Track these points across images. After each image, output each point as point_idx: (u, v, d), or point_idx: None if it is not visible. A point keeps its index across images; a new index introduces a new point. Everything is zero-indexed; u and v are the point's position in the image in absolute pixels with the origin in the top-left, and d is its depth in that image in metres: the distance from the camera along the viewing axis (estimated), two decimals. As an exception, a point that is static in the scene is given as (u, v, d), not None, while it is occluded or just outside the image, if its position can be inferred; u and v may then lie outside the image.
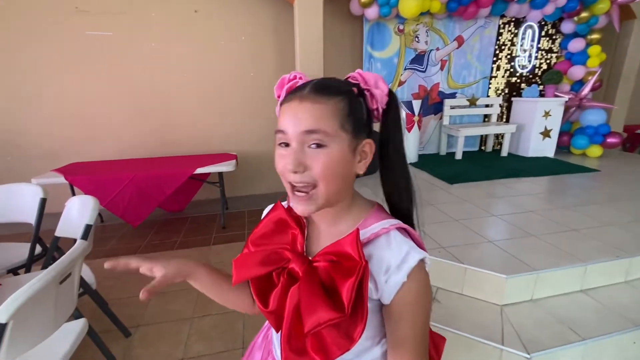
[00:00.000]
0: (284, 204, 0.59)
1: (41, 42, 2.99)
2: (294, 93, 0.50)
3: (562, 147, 4.04)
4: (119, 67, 3.20)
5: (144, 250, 2.61)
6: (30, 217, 1.74)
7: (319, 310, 0.44)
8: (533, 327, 1.33)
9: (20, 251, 1.79)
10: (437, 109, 4.00)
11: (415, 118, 3.56)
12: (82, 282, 1.45)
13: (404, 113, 3.49)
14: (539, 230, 1.89)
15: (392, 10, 3.22)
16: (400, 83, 3.81)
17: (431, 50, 3.79)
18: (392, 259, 0.49)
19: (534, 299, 1.50)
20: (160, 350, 1.58)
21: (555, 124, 3.72)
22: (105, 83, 3.20)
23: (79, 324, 1.20)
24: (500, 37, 3.92)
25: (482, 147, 4.29)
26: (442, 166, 3.44)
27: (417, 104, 3.54)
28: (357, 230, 0.47)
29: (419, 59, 3.79)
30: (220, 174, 3.04)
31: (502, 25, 3.88)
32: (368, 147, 0.52)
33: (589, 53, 3.74)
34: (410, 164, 3.52)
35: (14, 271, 1.71)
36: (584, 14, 3.55)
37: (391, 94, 0.53)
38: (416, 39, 3.72)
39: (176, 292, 2.03)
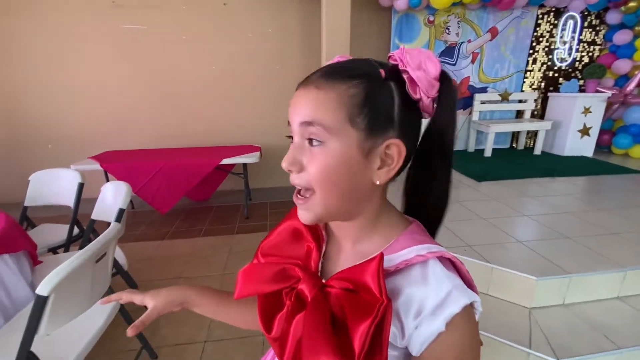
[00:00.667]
0: None
1: (81, 36, 3.15)
2: (306, 78, 0.42)
3: (603, 146, 3.79)
4: (152, 60, 3.31)
5: (172, 236, 2.71)
6: (69, 201, 1.85)
7: (321, 352, 0.35)
8: (564, 333, 1.27)
9: (59, 232, 1.91)
10: (467, 103, 3.86)
11: (443, 113, 3.46)
12: (115, 263, 1.53)
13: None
14: (573, 232, 1.79)
15: (422, 1, 3.13)
16: (429, 77, 3.70)
17: (462, 42, 3.65)
18: (428, 299, 0.36)
19: (565, 303, 1.42)
20: (184, 332, 1.64)
21: (595, 122, 3.49)
22: (138, 75, 3.33)
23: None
24: (538, 29, 3.72)
25: (514, 145, 4.10)
26: (469, 163, 3.33)
27: (445, 99, 3.43)
28: (381, 255, 0.37)
29: (449, 52, 3.67)
30: (245, 165, 3.09)
31: (540, 16, 3.67)
32: (395, 149, 0.39)
33: (636, 46, 3.46)
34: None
35: (53, 250, 1.83)
36: (631, 4, 3.29)
37: (444, 78, 0.39)
38: (447, 31, 3.59)
39: (201, 277, 2.10)
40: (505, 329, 1.30)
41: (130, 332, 0.49)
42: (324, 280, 0.42)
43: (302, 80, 0.42)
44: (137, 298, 0.56)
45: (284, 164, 0.40)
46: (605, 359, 1.19)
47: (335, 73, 0.39)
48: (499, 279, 1.47)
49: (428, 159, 0.44)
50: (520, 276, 1.41)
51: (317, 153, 0.38)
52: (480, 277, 1.51)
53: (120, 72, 3.29)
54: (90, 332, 1.13)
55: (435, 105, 0.40)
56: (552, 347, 1.20)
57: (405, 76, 0.38)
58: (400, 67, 0.38)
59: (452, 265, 0.40)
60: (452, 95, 0.40)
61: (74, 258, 0.92)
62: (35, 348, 0.94)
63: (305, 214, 0.42)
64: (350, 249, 0.45)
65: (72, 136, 3.38)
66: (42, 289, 0.85)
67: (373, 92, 0.38)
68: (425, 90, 0.38)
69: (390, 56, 0.40)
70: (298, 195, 0.42)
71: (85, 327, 1.14)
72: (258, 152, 3.09)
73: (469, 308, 0.37)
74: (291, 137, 0.42)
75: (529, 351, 1.20)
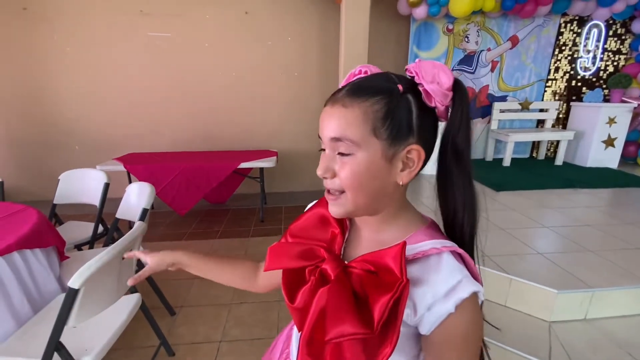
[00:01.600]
0: None
1: (109, 42, 3.30)
2: (331, 96, 0.46)
3: (628, 158, 3.66)
4: (175, 67, 3.43)
5: (189, 237, 2.78)
6: (95, 199, 1.94)
7: (345, 320, 0.40)
8: (585, 348, 1.23)
9: (84, 229, 2.00)
10: (485, 112, 3.81)
11: (461, 121, 3.42)
12: (138, 261, 1.58)
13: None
14: (596, 245, 1.74)
15: (441, 9, 3.13)
16: (446, 85, 3.68)
17: (482, 50, 3.63)
18: (440, 284, 0.42)
19: (587, 318, 1.38)
20: (200, 331, 1.68)
21: (620, 132, 3.38)
22: (162, 81, 3.45)
23: (134, 298, 1.32)
24: (560, 37, 3.65)
25: (534, 155, 4.01)
26: (487, 172, 3.28)
27: (463, 107, 3.40)
28: (404, 243, 0.42)
29: (468, 60, 3.64)
30: (261, 169, 3.14)
31: (563, 24, 3.61)
32: (415, 154, 0.44)
33: (665, 55, 3.36)
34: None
35: (78, 247, 1.91)
36: (661, 11, 3.20)
37: (457, 88, 0.44)
38: (466, 39, 3.57)
39: (217, 278, 2.14)
40: (524, 343, 1.27)
41: (130, 282, 0.65)
42: (346, 262, 0.47)
43: (329, 98, 0.46)
44: (141, 256, 0.70)
45: (319, 172, 0.46)
46: (629, 377, 1.15)
47: (359, 91, 0.43)
48: (517, 291, 1.44)
49: (445, 162, 0.47)
50: (540, 288, 1.38)
51: (347, 162, 0.44)
52: (498, 288, 1.49)
53: (144, 77, 3.42)
54: (113, 327, 1.17)
55: (450, 110, 0.45)
56: (573, 362, 1.17)
57: (420, 88, 0.43)
58: (416, 80, 0.43)
59: (461, 259, 0.45)
60: (464, 103, 0.44)
61: (104, 253, 0.97)
62: (62, 339, 0.99)
63: (336, 209, 0.47)
64: (370, 238, 0.51)
65: (97, 138, 3.53)
66: (74, 282, 0.89)
67: (394, 105, 0.42)
68: (439, 100, 0.43)
69: (407, 69, 0.45)
70: (330, 194, 0.47)
71: (109, 322, 1.19)
72: (275, 157, 3.14)
73: (475, 296, 0.42)
74: (323, 149, 0.47)
75: (548, 366, 1.17)
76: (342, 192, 0.46)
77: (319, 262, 0.48)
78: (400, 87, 0.43)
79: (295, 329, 0.60)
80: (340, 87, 0.47)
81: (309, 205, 0.60)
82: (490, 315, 1.42)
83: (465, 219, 0.48)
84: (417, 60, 0.45)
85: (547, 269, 1.51)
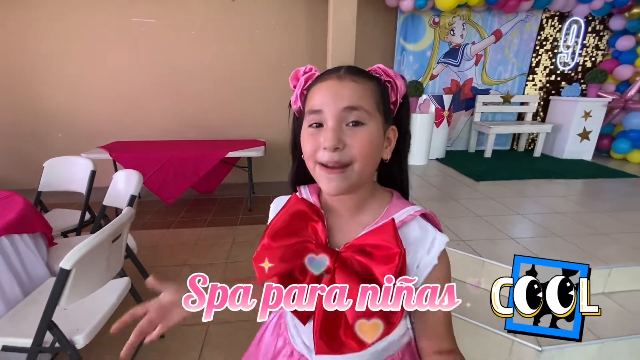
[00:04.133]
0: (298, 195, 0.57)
1: (93, 28, 3.23)
2: (328, 74, 0.50)
3: (602, 150, 3.84)
4: (161, 54, 3.39)
5: (177, 225, 2.80)
6: (81, 187, 1.94)
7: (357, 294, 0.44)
8: (548, 324, 1.34)
9: (71, 217, 2.00)
10: (469, 105, 3.92)
11: (445, 113, 3.52)
12: (127, 248, 1.61)
13: (433, 107, 3.46)
14: (565, 231, 1.86)
15: (428, 2, 3.18)
16: (432, 77, 3.76)
17: (466, 44, 3.70)
18: (422, 244, 0.50)
19: (552, 297, 1.49)
20: (189, 315, 1.73)
21: (595, 126, 3.54)
22: (146, 69, 3.41)
23: (124, 281, 1.35)
24: (542, 32, 3.76)
25: (514, 147, 4.16)
26: (469, 163, 3.39)
27: (447, 99, 3.49)
28: (393, 220, 0.48)
29: (453, 53, 3.72)
30: (249, 159, 3.17)
31: (544, 20, 3.71)
32: (392, 133, 0.52)
33: (638, 52, 3.51)
34: (437, 159, 3.53)
35: (64, 234, 1.91)
36: (635, 10, 3.33)
37: (406, 91, 0.54)
38: (451, 32, 3.64)
39: (205, 265, 2.19)
40: (494, 319, 1.37)
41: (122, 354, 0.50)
42: (337, 249, 0.50)
43: (327, 75, 0.50)
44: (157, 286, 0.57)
45: (331, 143, 0.46)
46: (586, 348, 1.26)
47: (359, 72, 0.50)
48: (489, 272, 1.54)
49: (397, 147, 0.56)
50: (508, 269, 1.47)
51: (360, 132, 0.47)
52: (472, 269, 1.59)
53: (128, 64, 3.37)
54: (104, 308, 1.21)
55: (398, 107, 0.54)
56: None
57: (389, 84, 0.52)
58: (385, 77, 0.52)
59: (427, 218, 0.53)
60: (409, 100, 0.56)
61: (94, 236, 1.00)
62: (54, 319, 1.02)
63: (338, 184, 0.48)
64: (350, 220, 0.54)
65: (81, 126, 3.47)
66: (65, 263, 0.93)
67: (382, 90, 0.51)
68: (399, 95, 0.52)
69: (370, 69, 0.53)
70: (332, 169, 0.48)
71: (99, 304, 1.23)
72: (263, 147, 3.17)
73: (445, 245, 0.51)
74: (319, 124, 0.48)
75: (513, 339, 1.27)
76: (348, 165, 0.47)
77: None
78: (381, 78, 0.51)
79: (289, 319, 0.62)
80: (306, 76, 0.54)
81: (276, 204, 0.61)
82: (465, 295, 1.52)
83: (406, 182, 0.59)
84: (377, 65, 0.53)
85: (517, 252, 1.62)
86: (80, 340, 1.08)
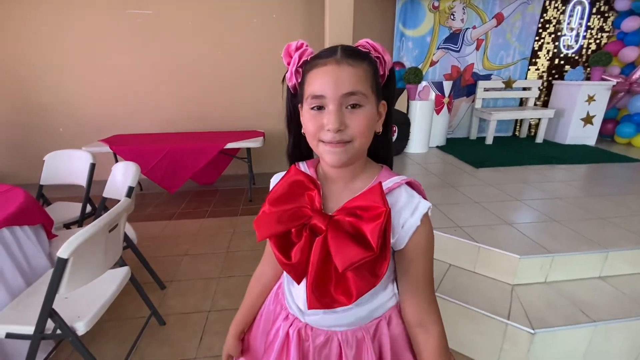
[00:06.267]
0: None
1: (90, 21, 3.21)
2: (325, 57, 0.52)
3: (605, 135, 3.79)
4: (158, 46, 3.37)
5: (178, 217, 2.83)
6: (82, 180, 1.96)
7: (350, 251, 0.48)
8: (542, 307, 1.35)
9: (72, 210, 2.03)
10: (470, 91, 3.87)
11: (446, 100, 3.48)
12: (127, 239, 1.64)
13: (433, 94, 3.42)
14: (563, 216, 1.85)
15: (426, -14, 3.11)
16: (432, 63, 3.71)
17: (467, 28, 3.64)
18: (406, 207, 0.55)
19: (547, 281, 1.50)
20: (190, 302, 1.77)
21: (599, 110, 3.48)
22: (144, 61, 3.40)
23: (123, 271, 1.38)
24: (544, 15, 3.67)
25: (516, 133, 4.11)
26: (470, 150, 3.37)
27: (447, 85, 3.44)
28: (380, 183, 0.53)
29: (454, 38, 3.66)
30: (249, 150, 3.17)
31: (547, 2, 3.62)
32: (382, 107, 0.57)
33: (645, 32, 3.42)
34: (438, 147, 3.51)
35: (67, 226, 1.95)
36: (643, -12, 3.23)
37: (392, 63, 0.58)
38: (451, 17, 3.57)
39: (205, 255, 2.22)
40: (488, 303, 1.39)
41: None
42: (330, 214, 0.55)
43: (324, 58, 0.52)
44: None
45: (335, 125, 0.51)
46: (579, 331, 1.27)
47: (354, 54, 0.52)
48: (485, 258, 1.54)
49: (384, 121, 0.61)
50: (504, 254, 1.48)
51: (359, 113, 0.52)
52: (467, 255, 1.59)
53: (126, 57, 3.37)
54: (104, 296, 1.24)
55: (384, 80, 0.58)
56: (529, 319, 1.28)
57: (378, 59, 0.55)
58: (374, 53, 0.55)
59: (412, 186, 0.59)
60: (394, 72, 0.59)
61: (90, 226, 1.02)
62: (55, 308, 1.05)
63: (340, 157, 0.53)
64: (344, 188, 0.60)
65: (82, 120, 3.49)
66: (62, 252, 0.95)
67: (375, 67, 0.54)
68: (387, 69, 0.56)
69: (358, 45, 0.55)
70: (335, 144, 0.53)
71: (100, 292, 1.26)
72: (261, 137, 3.17)
73: (428, 211, 0.56)
74: (319, 107, 0.53)
75: (507, 322, 1.28)
76: (349, 142, 0.52)
77: (306, 220, 0.53)
78: (371, 55, 0.54)
79: (286, 287, 0.69)
80: (299, 52, 0.55)
81: (275, 178, 0.66)
82: (459, 280, 1.54)
83: (391, 152, 0.66)
84: (364, 40, 0.55)
85: (514, 238, 1.62)
86: (81, 327, 1.11)
